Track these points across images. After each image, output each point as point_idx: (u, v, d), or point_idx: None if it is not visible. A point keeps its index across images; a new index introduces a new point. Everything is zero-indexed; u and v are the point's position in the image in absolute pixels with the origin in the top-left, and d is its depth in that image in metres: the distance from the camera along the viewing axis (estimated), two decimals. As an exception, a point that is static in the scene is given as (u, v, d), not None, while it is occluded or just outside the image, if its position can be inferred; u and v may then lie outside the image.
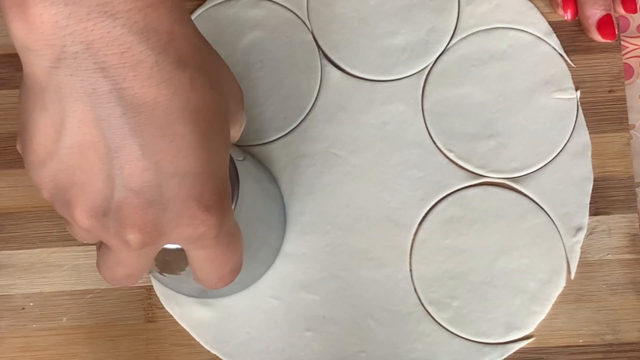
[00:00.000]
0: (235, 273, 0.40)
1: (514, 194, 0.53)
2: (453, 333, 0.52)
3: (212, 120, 0.35)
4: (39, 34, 0.32)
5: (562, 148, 0.53)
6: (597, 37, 0.54)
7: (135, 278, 0.39)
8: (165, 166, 0.34)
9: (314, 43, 0.55)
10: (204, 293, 0.50)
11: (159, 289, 0.52)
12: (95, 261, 0.52)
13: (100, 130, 0.33)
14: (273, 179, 0.53)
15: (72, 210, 0.35)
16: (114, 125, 0.33)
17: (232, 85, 0.38)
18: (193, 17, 0.55)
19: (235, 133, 0.40)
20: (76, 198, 0.34)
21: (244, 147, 0.54)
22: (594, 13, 0.53)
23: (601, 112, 0.54)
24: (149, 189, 0.34)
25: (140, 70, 0.32)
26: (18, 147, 0.37)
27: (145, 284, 0.52)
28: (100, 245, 0.39)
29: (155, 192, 0.34)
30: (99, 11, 0.31)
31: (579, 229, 0.52)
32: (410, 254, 0.53)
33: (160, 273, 0.45)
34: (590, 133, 0.54)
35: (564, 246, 0.52)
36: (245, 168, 0.45)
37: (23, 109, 0.35)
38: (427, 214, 0.53)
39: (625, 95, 0.54)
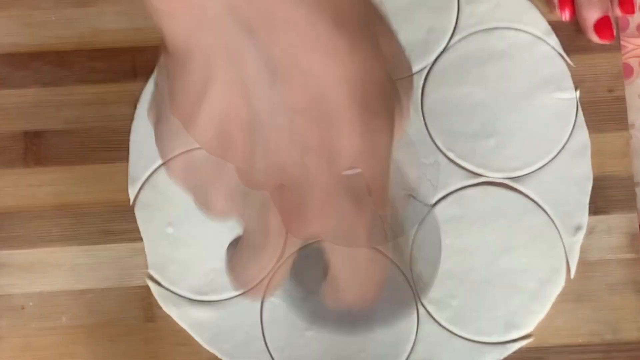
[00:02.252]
0: (379, 288, 0.37)
1: (513, 194, 0.53)
2: (453, 332, 0.51)
3: (373, 99, 0.30)
4: None
5: (562, 147, 0.53)
6: (595, 39, 0.54)
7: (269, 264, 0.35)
8: (311, 144, 0.29)
9: (314, 43, 0.55)
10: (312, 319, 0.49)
11: (155, 290, 0.52)
12: (94, 261, 0.52)
13: (246, 99, 0.29)
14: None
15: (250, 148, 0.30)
16: (260, 96, 0.28)
17: (400, 59, 0.34)
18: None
19: (398, 126, 0.33)
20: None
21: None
22: (591, 15, 0.53)
23: (601, 112, 0.54)
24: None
25: (292, 33, 0.27)
26: (149, 118, 0.34)
27: (144, 284, 0.52)
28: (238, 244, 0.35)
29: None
30: None
31: (578, 229, 0.52)
32: (411, 254, 0.52)
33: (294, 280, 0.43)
34: (589, 132, 0.54)
35: (564, 245, 0.52)
36: None
37: (170, 77, 0.31)
38: (427, 213, 0.53)
39: (625, 95, 0.54)
